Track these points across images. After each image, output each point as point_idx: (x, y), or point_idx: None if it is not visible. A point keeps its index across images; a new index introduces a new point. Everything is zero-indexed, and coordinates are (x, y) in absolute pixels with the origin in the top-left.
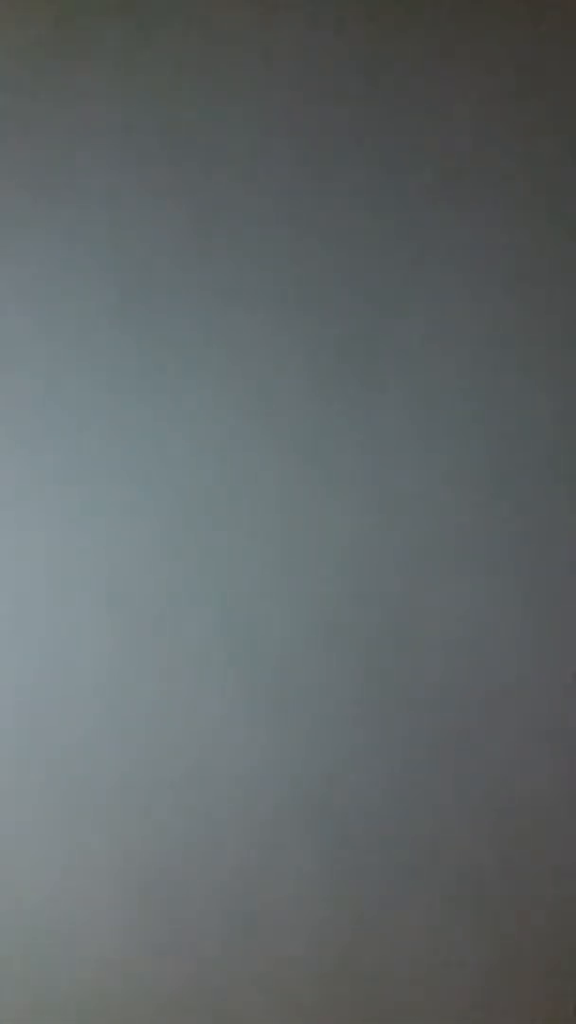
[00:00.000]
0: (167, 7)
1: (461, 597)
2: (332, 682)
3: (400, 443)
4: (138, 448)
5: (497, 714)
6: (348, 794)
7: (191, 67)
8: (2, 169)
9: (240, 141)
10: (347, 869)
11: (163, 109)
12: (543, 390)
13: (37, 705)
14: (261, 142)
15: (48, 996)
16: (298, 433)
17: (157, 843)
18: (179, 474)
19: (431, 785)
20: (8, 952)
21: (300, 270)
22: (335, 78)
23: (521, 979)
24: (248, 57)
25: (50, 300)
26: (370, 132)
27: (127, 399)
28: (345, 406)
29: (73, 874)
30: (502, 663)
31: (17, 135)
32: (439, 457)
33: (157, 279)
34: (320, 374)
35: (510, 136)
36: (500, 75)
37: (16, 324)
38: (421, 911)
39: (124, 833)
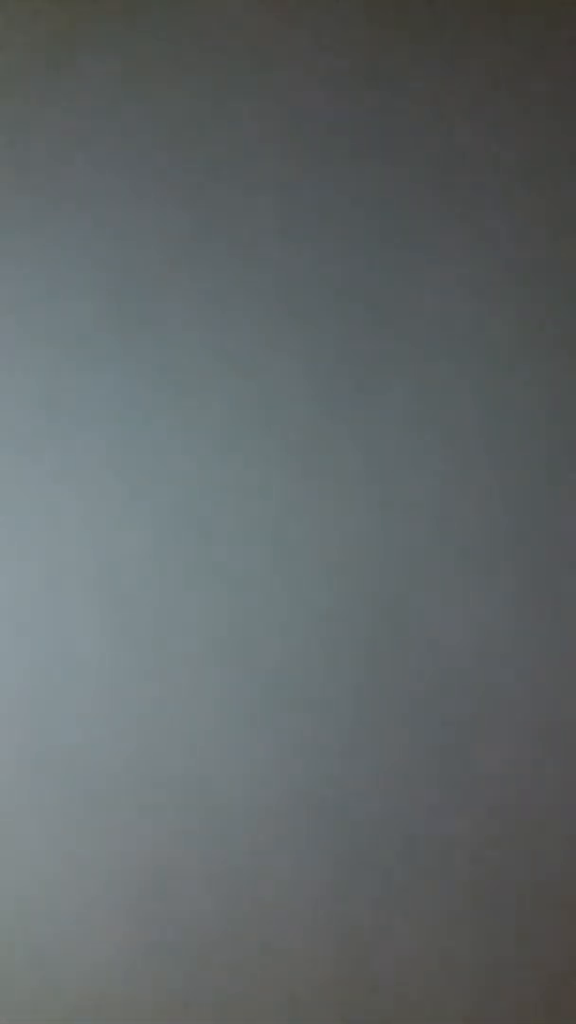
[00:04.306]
0: (166, 11)
1: (460, 598)
2: (330, 682)
3: (399, 447)
4: (136, 453)
5: (497, 713)
6: (347, 794)
7: (190, 71)
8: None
9: (240, 146)
10: (347, 869)
11: (162, 114)
12: (543, 392)
13: (32, 707)
14: (261, 147)
15: (46, 995)
16: (297, 436)
17: (155, 843)
18: (177, 479)
19: (430, 784)
20: (6, 952)
21: (300, 275)
22: (336, 83)
23: (521, 978)
24: (248, 62)
25: (48, 305)
26: (371, 138)
27: (125, 404)
28: (344, 409)
29: (71, 874)
30: (502, 663)
31: (15, 139)
32: (438, 459)
33: (156, 284)
34: (319, 377)
35: (512, 140)
36: (500, 76)
37: (14, 328)
38: (421, 910)
39: (122, 834)
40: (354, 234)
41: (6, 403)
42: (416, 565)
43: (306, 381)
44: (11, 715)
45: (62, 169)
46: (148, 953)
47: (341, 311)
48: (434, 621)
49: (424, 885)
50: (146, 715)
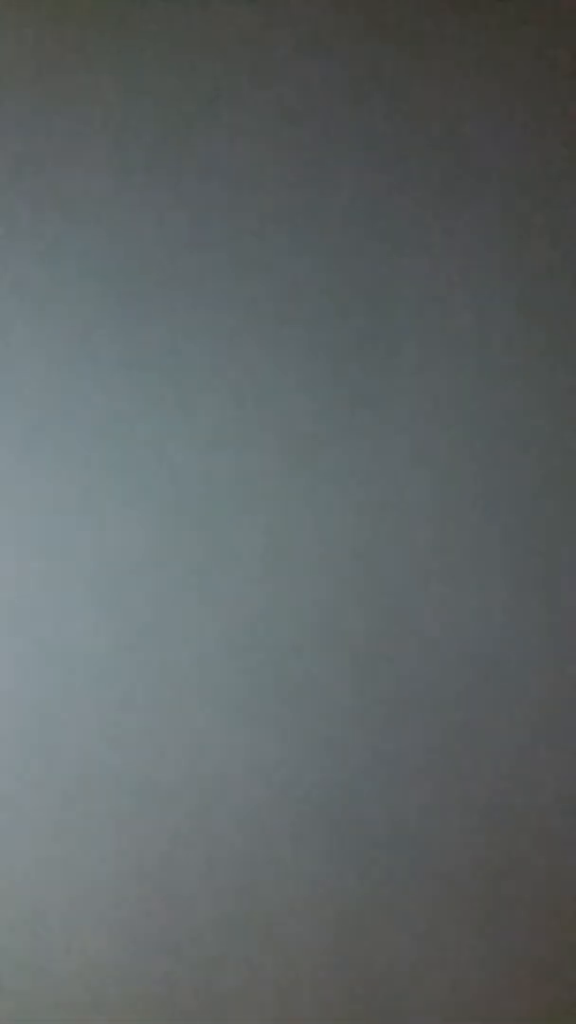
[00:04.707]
0: (164, 14)
1: (459, 601)
2: (330, 683)
3: (398, 445)
4: (136, 452)
5: (496, 714)
6: (347, 794)
7: (189, 74)
8: (0, 175)
9: (238, 147)
10: (346, 869)
11: (161, 115)
12: (542, 399)
13: (33, 708)
14: (259, 148)
15: (46, 994)
16: (296, 435)
17: (155, 843)
18: (175, 479)
19: (430, 786)
20: (6, 952)
21: (300, 275)
22: (335, 85)
23: (521, 979)
24: (246, 64)
25: (49, 305)
26: (369, 140)
27: (125, 403)
28: (343, 408)
29: (71, 875)
30: (501, 664)
31: (16, 142)
32: (437, 462)
33: (156, 285)
34: (319, 376)
35: (510, 141)
36: (500, 77)
37: (15, 329)
38: (421, 911)
39: (120, 831)
40: (354, 235)
41: (6, 401)
42: (415, 563)
43: (306, 380)
44: (11, 714)
45: (63, 170)
46: (148, 952)
47: (341, 311)
48: (433, 619)
49: (424, 881)
50: (145, 714)
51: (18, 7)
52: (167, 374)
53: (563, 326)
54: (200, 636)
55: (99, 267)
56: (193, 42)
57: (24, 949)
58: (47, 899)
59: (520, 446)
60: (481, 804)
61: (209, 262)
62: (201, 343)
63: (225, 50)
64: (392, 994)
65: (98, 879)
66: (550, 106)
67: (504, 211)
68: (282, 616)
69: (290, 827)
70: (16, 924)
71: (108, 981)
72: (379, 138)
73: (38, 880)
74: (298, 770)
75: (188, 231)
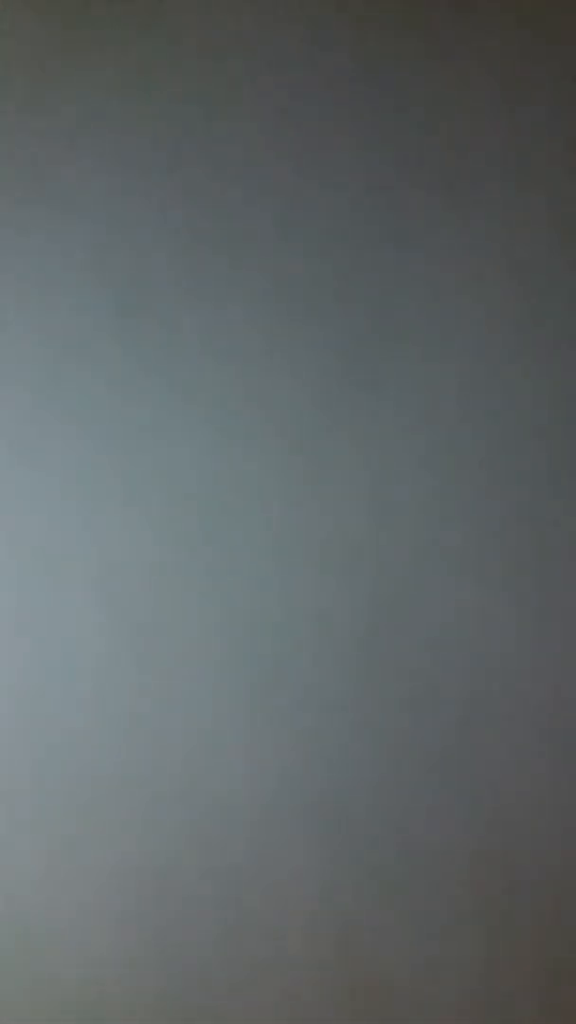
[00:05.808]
0: (164, 11)
1: (458, 600)
2: (328, 682)
3: (398, 449)
4: (136, 452)
5: (495, 714)
6: (345, 793)
7: (190, 74)
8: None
9: (239, 146)
10: (345, 868)
11: (161, 117)
12: (543, 396)
13: (32, 704)
14: (260, 147)
15: (44, 995)
16: (295, 439)
17: (154, 842)
18: (175, 480)
19: (429, 785)
20: (4, 952)
21: (299, 278)
22: (335, 83)
23: (523, 980)
24: (247, 63)
25: (47, 308)
26: (370, 139)
27: (125, 403)
28: (343, 411)
29: (69, 873)
30: (500, 664)
31: (14, 142)
32: (437, 462)
33: (154, 287)
34: (318, 379)
35: (510, 140)
36: (500, 76)
37: (13, 332)
38: (420, 911)
39: (120, 832)
40: (354, 234)
41: (6, 403)
42: (414, 563)
43: (306, 381)
44: (10, 714)
45: (61, 170)
46: (147, 953)
47: (340, 311)
48: (432, 619)
49: (424, 883)
50: (145, 714)
51: (17, 4)
52: (167, 372)
53: (567, 321)
54: (200, 636)
55: (98, 268)
56: (193, 39)
57: (24, 952)
58: (47, 902)
59: (523, 443)
60: (481, 804)
61: (209, 258)
62: (201, 341)
63: (226, 47)
64: (393, 995)
65: (98, 882)
66: (553, 101)
67: (506, 206)
68: (283, 616)
69: (291, 829)
70: (16, 928)
71: (109, 984)
72: (381, 135)
73: (37, 883)
74: (299, 772)
75: (188, 227)
